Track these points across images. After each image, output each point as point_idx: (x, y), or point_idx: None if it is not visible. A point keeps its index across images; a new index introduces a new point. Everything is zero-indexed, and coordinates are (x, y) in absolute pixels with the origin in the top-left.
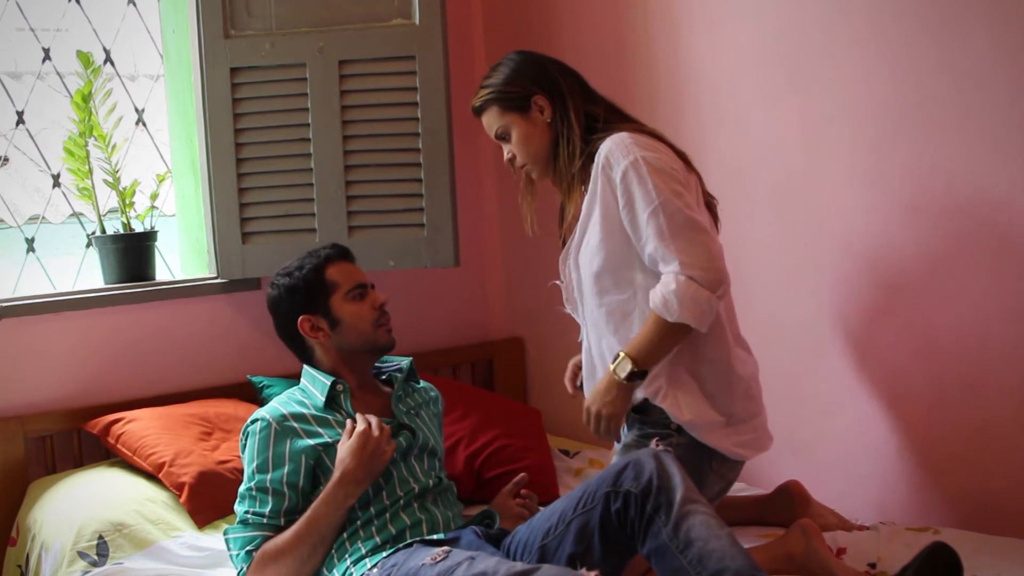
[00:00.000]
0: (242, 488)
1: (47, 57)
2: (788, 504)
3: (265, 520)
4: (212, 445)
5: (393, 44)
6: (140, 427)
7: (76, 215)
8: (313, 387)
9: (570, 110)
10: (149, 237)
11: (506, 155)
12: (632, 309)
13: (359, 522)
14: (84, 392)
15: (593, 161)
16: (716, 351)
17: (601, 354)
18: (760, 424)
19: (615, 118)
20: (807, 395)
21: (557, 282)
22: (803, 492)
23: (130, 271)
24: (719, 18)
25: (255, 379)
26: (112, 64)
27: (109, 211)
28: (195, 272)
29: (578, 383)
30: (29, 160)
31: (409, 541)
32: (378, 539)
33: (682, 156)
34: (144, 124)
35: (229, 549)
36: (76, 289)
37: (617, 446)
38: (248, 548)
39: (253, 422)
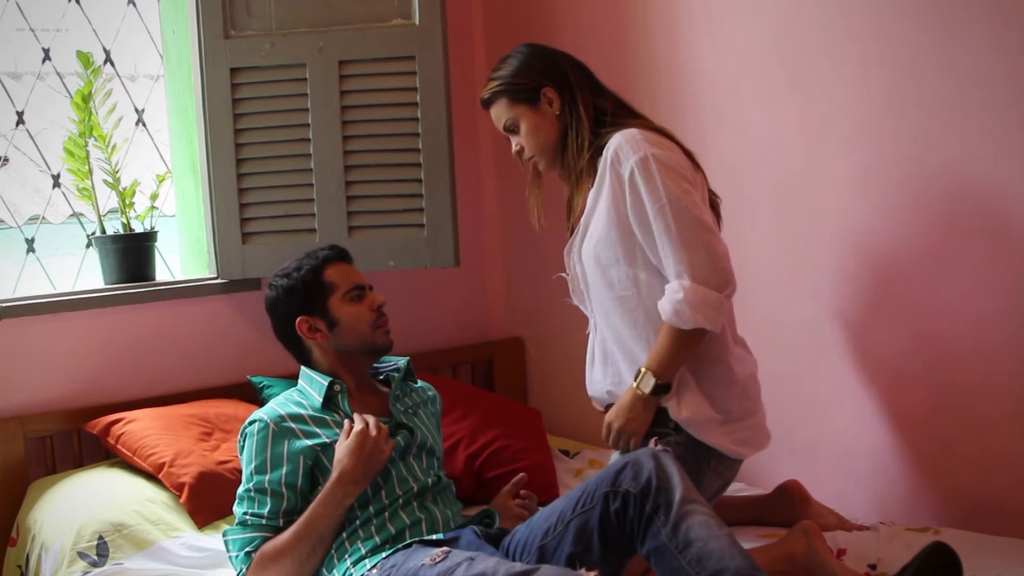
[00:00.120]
0: (240, 489)
1: (47, 57)
2: (788, 504)
3: (264, 521)
4: (212, 445)
5: (393, 44)
6: (140, 427)
7: (76, 215)
8: (311, 388)
9: (579, 103)
10: (149, 237)
11: (514, 147)
12: (636, 305)
13: (358, 522)
14: (84, 392)
15: (601, 154)
16: (714, 350)
17: (616, 339)
18: (758, 422)
19: (623, 113)
20: (807, 395)
21: (563, 274)
22: (803, 492)
23: (130, 271)
24: (719, 18)
25: (255, 379)
26: (112, 64)
27: (109, 211)
28: (195, 272)
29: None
30: (29, 160)
31: (408, 541)
32: (378, 539)
33: (689, 155)
34: (144, 124)
35: (228, 550)
36: (76, 289)
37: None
38: (247, 549)
39: (251, 423)
